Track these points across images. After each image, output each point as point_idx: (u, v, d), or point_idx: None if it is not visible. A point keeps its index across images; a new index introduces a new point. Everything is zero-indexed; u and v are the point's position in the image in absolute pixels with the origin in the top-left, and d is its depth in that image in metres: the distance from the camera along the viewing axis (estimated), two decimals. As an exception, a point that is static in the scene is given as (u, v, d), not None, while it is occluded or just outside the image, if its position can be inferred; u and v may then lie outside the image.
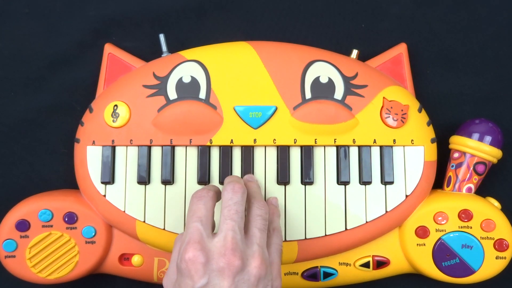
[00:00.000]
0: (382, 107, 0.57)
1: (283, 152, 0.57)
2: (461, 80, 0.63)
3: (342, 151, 0.57)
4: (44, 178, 0.62)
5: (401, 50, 0.60)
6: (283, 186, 0.57)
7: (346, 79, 0.58)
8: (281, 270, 0.48)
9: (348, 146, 0.57)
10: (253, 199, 0.50)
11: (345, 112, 0.57)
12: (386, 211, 0.57)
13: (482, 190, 0.59)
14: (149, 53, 0.61)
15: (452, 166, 0.59)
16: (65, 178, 0.61)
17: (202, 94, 0.57)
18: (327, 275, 0.58)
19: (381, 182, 0.57)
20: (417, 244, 0.57)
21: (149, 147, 0.57)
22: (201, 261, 0.43)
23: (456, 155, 0.59)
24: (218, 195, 0.50)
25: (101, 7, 0.63)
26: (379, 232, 0.57)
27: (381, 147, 0.57)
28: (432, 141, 0.58)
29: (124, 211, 0.56)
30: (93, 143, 0.57)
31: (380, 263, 0.58)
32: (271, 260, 0.48)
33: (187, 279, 0.43)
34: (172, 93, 0.57)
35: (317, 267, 0.58)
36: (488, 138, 0.57)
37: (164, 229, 0.56)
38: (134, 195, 0.56)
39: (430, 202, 0.57)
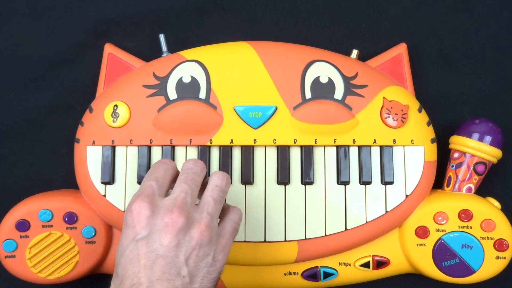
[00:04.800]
0: (382, 107, 0.57)
1: (283, 152, 0.57)
2: (461, 80, 0.63)
3: (342, 151, 0.57)
4: (44, 178, 0.62)
5: (401, 50, 0.60)
6: (283, 186, 0.57)
7: (346, 79, 0.58)
8: (229, 247, 0.47)
9: (348, 146, 0.57)
10: (216, 171, 0.50)
11: (345, 112, 0.57)
12: (386, 211, 0.57)
13: (482, 190, 0.59)
14: (149, 53, 0.61)
15: (452, 166, 0.59)
16: (65, 178, 0.61)
17: (202, 94, 0.57)
18: (327, 275, 0.58)
19: (381, 182, 0.57)
20: (417, 244, 0.57)
21: (149, 147, 0.57)
22: (146, 213, 0.43)
23: (456, 155, 0.59)
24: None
25: (101, 7, 0.63)
26: (379, 232, 0.57)
27: (381, 147, 0.57)
28: (432, 141, 0.58)
29: (124, 211, 0.56)
30: (93, 143, 0.57)
31: (380, 263, 0.58)
32: (221, 233, 0.47)
33: (130, 229, 0.43)
34: (172, 93, 0.57)
35: (317, 267, 0.58)
36: (488, 138, 0.57)
37: (164, 229, 0.56)
38: (134, 195, 0.56)
39: (430, 202, 0.57)
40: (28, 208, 0.56)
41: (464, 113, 0.63)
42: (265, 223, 0.56)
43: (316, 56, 0.58)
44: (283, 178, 0.56)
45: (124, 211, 0.56)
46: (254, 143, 0.56)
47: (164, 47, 0.60)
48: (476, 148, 0.57)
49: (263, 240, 0.56)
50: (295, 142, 0.57)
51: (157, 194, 0.45)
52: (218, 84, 0.57)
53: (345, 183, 0.57)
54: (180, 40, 0.62)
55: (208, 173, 0.56)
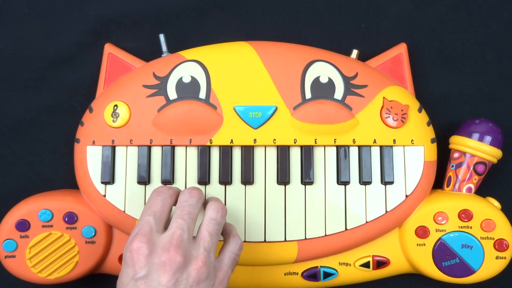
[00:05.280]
0: (382, 107, 0.57)
1: (283, 152, 0.57)
2: (461, 80, 0.63)
3: (342, 151, 0.57)
4: (44, 178, 0.62)
5: (401, 50, 0.60)
6: (283, 186, 0.57)
7: (346, 79, 0.58)
8: (228, 280, 0.48)
9: (348, 146, 0.57)
10: (212, 201, 0.50)
11: (345, 112, 0.57)
12: (386, 211, 0.57)
13: (482, 190, 0.59)
14: (149, 53, 0.61)
15: (452, 166, 0.59)
16: (65, 178, 0.61)
17: (202, 94, 0.57)
18: (327, 275, 0.58)
19: (381, 182, 0.57)
20: (417, 244, 0.57)
21: (149, 147, 0.57)
22: (144, 253, 0.44)
23: (456, 155, 0.59)
24: (178, 196, 0.51)
25: (101, 7, 0.63)
26: (379, 232, 0.57)
27: (381, 147, 0.57)
28: (432, 141, 0.58)
29: (124, 211, 0.56)
30: (93, 143, 0.57)
31: (380, 263, 0.58)
32: (219, 266, 0.48)
33: (129, 268, 0.44)
34: (172, 93, 0.57)
35: (317, 267, 0.58)
36: (488, 138, 0.57)
37: (164, 229, 0.56)
38: (134, 195, 0.56)
39: (430, 202, 0.57)
40: (28, 208, 0.56)
41: (464, 113, 0.63)
42: (265, 223, 0.56)
43: (316, 56, 0.58)
44: (283, 178, 0.56)
45: (124, 211, 0.56)
46: (254, 143, 0.56)
47: (164, 47, 0.60)
48: (476, 148, 0.57)
49: (263, 240, 0.56)
50: (295, 142, 0.57)
51: (154, 231, 0.46)
52: (218, 84, 0.57)
53: (345, 183, 0.57)
54: (180, 40, 0.62)
55: (208, 173, 0.56)
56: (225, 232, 0.52)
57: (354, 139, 0.57)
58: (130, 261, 0.44)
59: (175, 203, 0.50)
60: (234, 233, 0.51)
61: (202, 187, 0.56)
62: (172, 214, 0.49)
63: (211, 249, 0.47)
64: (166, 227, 0.48)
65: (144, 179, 0.56)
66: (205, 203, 0.51)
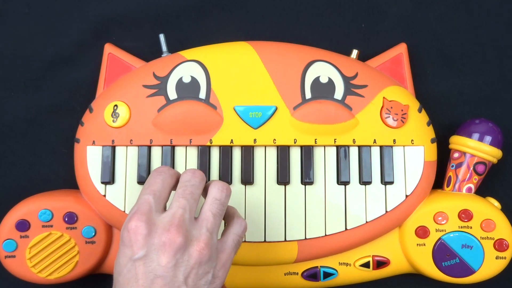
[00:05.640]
0: (382, 107, 0.57)
1: (283, 152, 0.57)
2: (461, 80, 0.63)
3: (342, 151, 0.57)
4: (44, 178, 0.62)
5: (401, 50, 0.60)
6: (283, 186, 0.57)
7: (346, 79, 0.58)
8: (230, 262, 0.46)
9: (348, 146, 0.57)
10: (215, 181, 0.48)
11: (345, 112, 0.57)
12: (386, 211, 0.57)
13: (482, 190, 0.59)
14: (149, 53, 0.61)
15: (452, 166, 0.59)
16: (65, 178, 0.61)
17: (202, 94, 0.57)
18: (327, 275, 0.58)
19: (381, 182, 0.57)
20: (417, 244, 0.57)
21: (149, 147, 0.57)
22: (143, 232, 0.42)
23: (456, 155, 0.59)
24: (178, 178, 0.49)
25: (101, 7, 0.63)
26: (379, 232, 0.57)
27: (381, 147, 0.57)
28: (432, 141, 0.58)
29: (124, 211, 0.56)
30: (93, 143, 0.57)
31: (380, 263, 0.58)
32: (222, 248, 0.46)
33: (127, 248, 0.43)
34: (172, 93, 0.57)
35: (317, 267, 0.58)
36: (488, 138, 0.57)
37: (164, 229, 0.56)
38: (134, 195, 0.56)
39: (430, 202, 0.57)
40: (28, 208, 0.56)
41: (464, 113, 0.63)
42: (265, 223, 0.56)
43: (316, 56, 0.58)
44: (283, 178, 0.56)
45: (124, 211, 0.56)
46: (254, 143, 0.56)
47: (164, 47, 0.60)
48: (476, 148, 0.57)
49: (263, 240, 0.56)
50: (295, 142, 0.57)
51: (154, 210, 0.44)
52: (218, 84, 0.57)
53: (345, 183, 0.57)
54: (180, 40, 0.62)
55: (208, 173, 0.56)
56: (228, 214, 0.50)
57: (354, 139, 0.57)
58: (127, 241, 0.42)
59: (175, 187, 0.48)
60: (237, 215, 0.49)
61: (202, 187, 0.56)
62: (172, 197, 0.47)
63: (214, 230, 0.45)
64: (165, 208, 0.46)
65: (144, 179, 0.56)
66: (206, 186, 0.49)
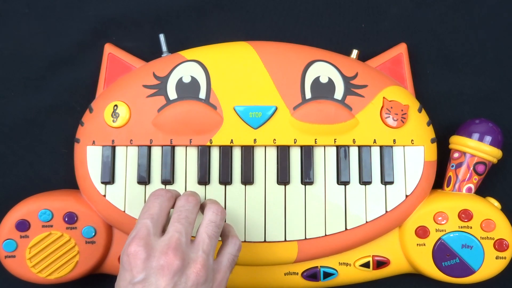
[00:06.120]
0: (382, 107, 0.57)
1: (283, 152, 0.57)
2: (461, 80, 0.63)
3: (342, 151, 0.57)
4: (44, 178, 0.62)
5: (401, 50, 0.60)
6: (283, 186, 0.57)
7: (346, 79, 0.58)
8: (226, 281, 0.48)
9: (348, 146, 0.57)
10: (210, 203, 0.50)
11: (345, 112, 0.57)
12: (386, 211, 0.57)
13: (482, 190, 0.59)
14: (149, 53, 0.61)
15: (452, 166, 0.59)
16: (65, 178, 0.61)
17: (202, 94, 0.57)
18: (327, 275, 0.58)
19: (381, 182, 0.57)
20: (417, 244, 0.57)
21: (149, 147, 0.57)
22: (142, 256, 0.44)
23: (456, 155, 0.59)
24: (175, 200, 0.50)
25: (101, 7, 0.63)
26: (379, 232, 0.57)
27: (381, 147, 0.57)
28: (432, 141, 0.58)
29: (124, 211, 0.56)
30: (93, 143, 0.57)
31: (380, 263, 0.58)
32: (218, 268, 0.48)
33: (126, 272, 0.44)
34: (172, 93, 0.57)
35: (317, 267, 0.58)
36: (488, 138, 0.57)
37: (164, 229, 0.56)
38: (134, 195, 0.56)
39: (430, 202, 0.57)
40: (28, 208, 0.56)
41: (464, 113, 0.63)
42: (265, 223, 0.56)
43: (316, 56, 0.58)
44: (283, 178, 0.56)
45: (124, 211, 0.56)
46: (254, 143, 0.56)
47: (164, 47, 0.60)
48: (476, 148, 0.57)
49: (263, 240, 0.56)
50: (295, 142, 0.57)
51: (152, 234, 0.45)
52: (218, 84, 0.57)
53: (345, 183, 0.57)
54: (180, 40, 0.62)
55: (208, 173, 0.56)
56: (223, 233, 0.51)
57: (354, 139, 0.57)
58: (127, 265, 0.44)
59: (172, 207, 0.50)
60: (232, 234, 0.51)
61: (202, 187, 0.56)
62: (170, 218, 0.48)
63: (210, 251, 0.47)
64: (163, 231, 0.47)
65: (144, 179, 0.56)
66: (202, 206, 0.51)
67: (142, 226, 0.46)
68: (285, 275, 0.58)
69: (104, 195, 0.56)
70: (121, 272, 0.45)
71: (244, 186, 0.57)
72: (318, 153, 0.57)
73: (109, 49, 0.60)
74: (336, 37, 0.63)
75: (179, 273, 0.44)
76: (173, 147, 0.57)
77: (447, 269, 0.57)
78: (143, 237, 0.45)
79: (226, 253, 0.49)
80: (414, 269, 0.58)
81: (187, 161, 0.57)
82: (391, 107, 0.57)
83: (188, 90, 0.57)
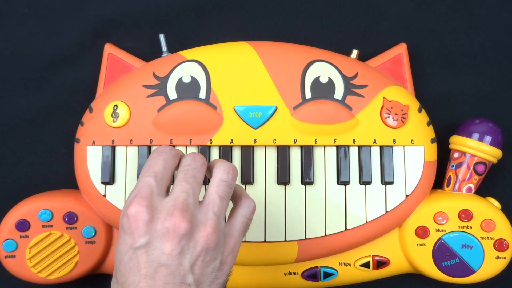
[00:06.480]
0: (382, 107, 0.57)
1: (283, 152, 0.57)
2: (461, 80, 0.63)
3: (342, 151, 0.57)
4: (44, 178, 0.62)
5: (401, 50, 0.60)
6: (283, 186, 0.57)
7: (346, 79, 0.58)
8: (238, 247, 0.43)
9: (348, 146, 0.57)
10: (220, 161, 0.45)
11: (345, 112, 0.57)
12: (386, 211, 0.57)
13: (482, 190, 0.59)
14: (149, 53, 0.61)
15: (452, 166, 0.59)
16: (65, 178, 0.61)
17: (202, 94, 0.57)
18: (327, 275, 0.58)
19: (381, 182, 0.57)
20: (417, 244, 0.57)
21: (149, 147, 0.57)
22: (144, 218, 0.39)
23: (456, 155, 0.59)
24: (180, 159, 0.45)
25: (101, 7, 0.63)
26: (379, 232, 0.57)
27: (381, 147, 0.57)
28: (432, 141, 0.58)
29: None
30: (93, 143, 0.57)
31: (380, 263, 0.58)
32: (230, 232, 0.43)
33: (127, 236, 0.40)
34: (172, 93, 0.57)
35: (317, 267, 0.58)
36: (488, 138, 0.57)
37: (164, 229, 0.56)
38: (134, 195, 0.56)
39: (430, 202, 0.57)
40: (28, 208, 0.56)
41: (464, 113, 0.63)
42: (265, 223, 0.56)
43: (316, 56, 0.58)
44: (283, 178, 0.56)
45: (124, 211, 0.56)
46: (254, 143, 0.56)
47: (164, 47, 0.60)
48: (476, 148, 0.57)
49: (263, 240, 0.56)
50: (295, 142, 0.57)
51: (156, 194, 0.41)
52: (218, 84, 0.57)
53: (345, 183, 0.57)
54: (180, 40, 0.62)
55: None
56: (235, 194, 0.46)
57: (354, 139, 0.57)
58: (127, 227, 0.39)
59: (177, 167, 0.45)
60: (245, 195, 0.46)
61: (202, 187, 0.56)
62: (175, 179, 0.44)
63: (221, 213, 0.42)
64: (168, 192, 0.43)
65: (144, 179, 0.56)
66: (209, 168, 0.46)
67: (144, 184, 0.41)
68: (285, 275, 0.58)
69: (104, 195, 0.56)
70: (120, 235, 0.40)
71: (244, 186, 0.56)
72: (318, 153, 0.57)
73: (109, 49, 0.60)
74: (336, 37, 0.64)
75: (187, 237, 0.39)
76: (173, 147, 0.57)
77: (447, 269, 0.57)
78: (146, 197, 0.40)
79: (239, 215, 0.44)
80: (414, 269, 0.58)
81: (187, 161, 0.57)
82: (391, 107, 0.57)
83: (188, 90, 0.57)
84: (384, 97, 0.57)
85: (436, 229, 0.57)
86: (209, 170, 0.45)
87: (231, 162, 0.56)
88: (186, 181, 0.42)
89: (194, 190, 0.42)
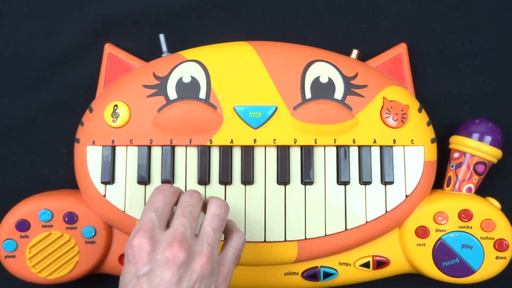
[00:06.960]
0: (382, 107, 0.57)
1: (283, 152, 0.57)
2: (461, 80, 0.63)
3: (342, 151, 0.57)
4: (44, 178, 0.62)
5: (401, 50, 0.60)
6: (283, 186, 0.57)
7: (346, 79, 0.58)
8: (231, 275, 0.48)
9: (348, 146, 0.57)
10: (214, 198, 0.50)
11: (345, 112, 0.57)
12: (386, 211, 0.57)
13: (482, 190, 0.59)
14: (149, 53, 0.61)
15: (452, 166, 0.59)
16: (65, 178, 0.61)
17: (202, 94, 0.57)
18: (327, 275, 0.58)
19: (381, 182, 0.57)
20: (417, 244, 0.57)
21: (149, 147, 0.57)
22: (146, 249, 0.44)
23: (456, 155, 0.59)
24: (179, 196, 0.50)
25: (101, 7, 0.63)
26: (379, 232, 0.57)
27: (381, 147, 0.57)
28: (432, 141, 0.58)
29: (124, 211, 0.56)
30: (93, 143, 0.57)
31: (380, 263, 0.58)
32: (223, 261, 0.47)
33: (131, 265, 0.44)
34: (172, 93, 0.57)
35: (317, 267, 0.58)
36: (488, 138, 0.57)
37: (164, 229, 0.56)
38: (134, 195, 0.56)
39: (430, 202, 0.57)
40: (28, 208, 0.56)
41: (464, 113, 0.63)
42: (265, 223, 0.56)
43: (316, 56, 0.58)
44: (283, 178, 0.56)
45: (124, 211, 0.56)
46: (254, 143, 0.56)
47: (164, 47, 0.60)
48: (476, 148, 0.57)
49: (263, 240, 0.56)
50: (295, 142, 0.57)
51: (157, 227, 0.45)
52: (218, 84, 0.57)
53: (345, 183, 0.57)
54: (180, 40, 0.62)
55: (208, 173, 0.56)
56: (227, 228, 0.51)
57: (354, 139, 0.57)
58: (132, 258, 0.44)
59: (176, 203, 0.50)
60: (236, 229, 0.51)
61: (202, 187, 0.56)
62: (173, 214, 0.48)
63: (215, 244, 0.46)
64: (167, 226, 0.47)
65: (144, 179, 0.56)
66: (204, 204, 0.51)
67: (147, 219, 0.46)
68: (285, 275, 0.58)
69: (104, 195, 0.56)
70: (126, 265, 0.45)
71: (244, 186, 0.57)
72: (318, 153, 0.57)
73: (109, 49, 0.60)
74: (336, 37, 0.64)
75: (184, 265, 0.43)
76: (173, 147, 0.57)
77: (447, 269, 0.57)
78: (148, 230, 0.45)
79: (231, 247, 0.49)
80: (414, 269, 0.58)
81: (187, 161, 0.57)
82: (391, 107, 0.57)
83: (188, 90, 0.57)
84: (384, 97, 0.57)
85: (436, 229, 0.57)
86: (204, 208, 0.50)
87: (231, 162, 0.56)
88: (184, 216, 0.47)
89: (191, 223, 0.46)
